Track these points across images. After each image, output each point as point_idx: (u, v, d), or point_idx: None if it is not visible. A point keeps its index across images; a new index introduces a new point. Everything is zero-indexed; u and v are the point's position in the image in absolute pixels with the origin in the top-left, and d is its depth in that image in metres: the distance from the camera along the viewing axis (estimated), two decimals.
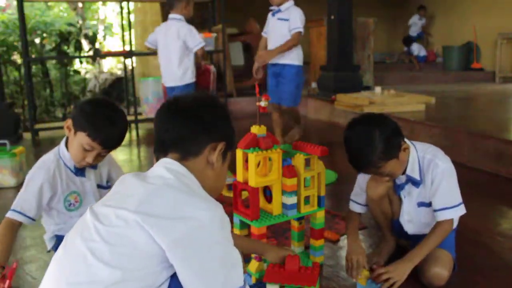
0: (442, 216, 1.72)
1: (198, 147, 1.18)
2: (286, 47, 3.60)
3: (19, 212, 1.75)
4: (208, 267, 1.03)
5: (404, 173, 1.77)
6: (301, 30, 3.61)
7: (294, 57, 3.67)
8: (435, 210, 1.74)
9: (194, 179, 1.16)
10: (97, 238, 1.03)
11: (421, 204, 1.82)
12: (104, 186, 2.04)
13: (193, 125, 1.18)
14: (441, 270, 1.69)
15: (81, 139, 1.75)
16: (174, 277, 1.06)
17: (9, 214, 1.74)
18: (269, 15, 3.79)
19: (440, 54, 9.95)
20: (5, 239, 1.69)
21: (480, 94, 6.60)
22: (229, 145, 1.25)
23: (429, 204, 1.79)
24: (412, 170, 1.76)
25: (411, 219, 1.87)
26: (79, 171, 1.90)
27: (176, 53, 3.72)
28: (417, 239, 1.88)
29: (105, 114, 1.76)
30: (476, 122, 4.34)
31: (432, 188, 1.74)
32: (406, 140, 1.75)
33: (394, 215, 1.93)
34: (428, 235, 1.73)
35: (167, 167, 1.14)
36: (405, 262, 1.66)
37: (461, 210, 1.74)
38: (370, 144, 1.62)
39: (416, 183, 1.78)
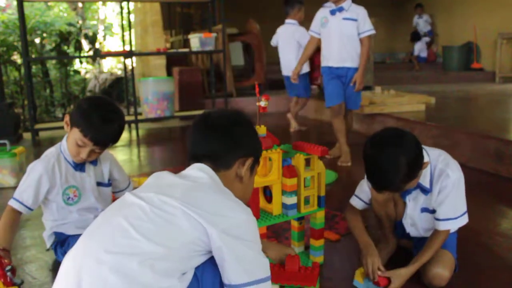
0: (443, 226, 1.72)
1: (229, 161, 1.28)
2: (366, 58, 3.50)
3: (18, 201, 1.84)
4: (248, 255, 1.14)
5: None
6: (373, 31, 3.50)
7: (358, 59, 3.53)
8: (437, 219, 1.74)
9: (222, 185, 1.25)
10: (142, 216, 1.09)
11: (424, 210, 1.81)
12: (105, 184, 2.05)
13: (224, 141, 1.28)
14: (442, 271, 1.69)
15: (75, 134, 1.82)
16: (199, 268, 1.15)
17: (10, 202, 1.85)
18: (325, 14, 3.54)
19: (440, 54, 9.95)
20: (3, 225, 1.80)
21: (480, 94, 6.60)
22: (256, 160, 1.36)
23: (432, 211, 1.78)
24: (423, 178, 1.74)
25: (414, 223, 1.87)
26: (79, 166, 1.95)
27: (293, 50, 4.62)
28: (419, 240, 1.88)
29: (99, 113, 1.81)
30: (476, 122, 4.34)
31: (439, 198, 1.73)
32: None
33: (398, 216, 1.93)
34: (426, 246, 1.73)
35: (200, 169, 1.25)
36: (406, 274, 1.69)
37: (463, 220, 1.75)
38: (396, 170, 1.56)
39: (425, 191, 1.77)
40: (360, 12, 3.47)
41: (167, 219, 1.09)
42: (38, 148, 4.49)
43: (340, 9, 3.47)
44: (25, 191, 1.85)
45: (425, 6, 10.30)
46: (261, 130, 1.72)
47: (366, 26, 3.48)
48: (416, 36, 10.02)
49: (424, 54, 9.96)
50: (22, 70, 6.58)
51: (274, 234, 2.23)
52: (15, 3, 5.01)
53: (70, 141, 1.86)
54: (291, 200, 1.76)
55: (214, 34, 5.47)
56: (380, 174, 1.60)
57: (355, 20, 3.45)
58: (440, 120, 4.19)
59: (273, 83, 7.25)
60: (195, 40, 5.40)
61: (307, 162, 1.81)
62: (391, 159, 1.57)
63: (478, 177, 3.23)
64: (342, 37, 3.49)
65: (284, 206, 1.77)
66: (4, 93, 5.17)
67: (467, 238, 2.16)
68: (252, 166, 1.33)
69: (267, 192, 1.81)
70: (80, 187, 1.95)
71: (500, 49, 8.05)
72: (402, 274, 1.68)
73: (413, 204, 1.82)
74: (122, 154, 4.28)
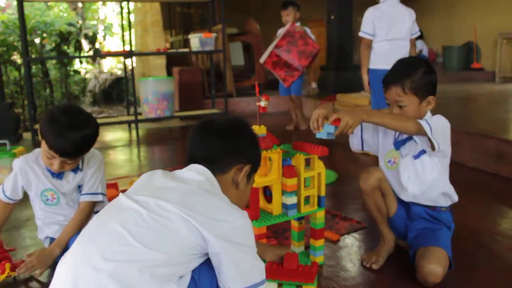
0: (422, 121, 1.76)
1: (226, 166, 1.29)
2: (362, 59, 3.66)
3: (2, 188, 1.93)
4: (245, 260, 1.15)
5: None
6: (362, 35, 3.62)
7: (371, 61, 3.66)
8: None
9: (219, 188, 1.26)
10: (139, 222, 1.09)
11: (417, 157, 1.87)
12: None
13: (223, 146, 1.29)
14: (436, 267, 1.69)
15: (43, 145, 1.79)
16: (195, 271, 1.15)
17: None
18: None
19: (440, 54, 9.95)
20: None
21: (480, 94, 6.60)
22: (254, 168, 1.37)
23: (423, 151, 1.84)
24: None
25: (410, 175, 1.89)
26: (55, 174, 1.91)
27: None
28: (413, 238, 1.89)
29: (61, 124, 1.73)
30: (476, 122, 4.34)
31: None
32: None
33: (389, 211, 1.95)
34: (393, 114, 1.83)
35: (198, 171, 1.25)
36: (361, 111, 1.74)
37: (435, 143, 1.75)
38: (415, 67, 1.82)
39: (416, 142, 1.85)
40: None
41: (164, 224, 1.08)
42: (38, 148, 4.49)
43: None
44: (7, 181, 1.93)
45: (423, 6, 10.28)
46: (261, 130, 1.72)
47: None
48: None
49: (425, 51, 9.96)
50: (22, 70, 6.58)
51: (274, 234, 2.24)
52: (15, 3, 5.01)
53: (42, 152, 1.83)
54: (291, 200, 1.76)
55: (214, 34, 5.47)
56: (401, 64, 1.88)
57: None
58: None
59: (273, 83, 7.25)
60: (195, 40, 5.40)
61: (307, 162, 1.81)
62: (417, 61, 1.89)
63: (478, 177, 3.23)
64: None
65: (284, 206, 1.77)
66: (4, 93, 5.17)
67: (467, 238, 2.16)
68: (249, 174, 1.34)
69: (267, 192, 1.81)
70: (57, 191, 1.94)
71: (500, 49, 8.05)
72: (351, 111, 1.73)
73: (405, 155, 1.89)
74: (122, 154, 4.28)
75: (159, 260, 1.05)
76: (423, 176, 1.87)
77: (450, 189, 1.92)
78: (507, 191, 2.92)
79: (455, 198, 1.93)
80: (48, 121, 1.75)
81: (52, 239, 1.98)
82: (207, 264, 1.16)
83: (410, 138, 1.87)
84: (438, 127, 1.78)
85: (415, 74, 1.79)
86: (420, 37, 10.03)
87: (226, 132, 1.31)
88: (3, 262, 1.81)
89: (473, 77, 8.46)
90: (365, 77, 3.69)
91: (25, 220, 2.53)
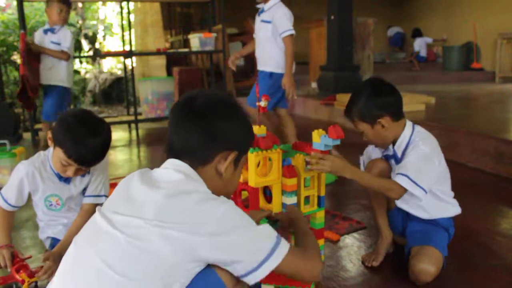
0: (399, 179, 1.73)
1: (208, 155, 1.14)
2: (289, 61, 3.27)
3: (2, 197, 1.86)
4: (247, 240, 1.03)
5: (394, 146, 1.86)
6: (292, 32, 3.23)
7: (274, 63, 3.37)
8: (396, 173, 1.76)
9: (202, 182, 1.13)
10: (117, 250, 0.99)
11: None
12: None
13: (204, 132, 1.12)
14: (428, 266, 1.70)
15: (59, 153, 1.76)
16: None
17: None
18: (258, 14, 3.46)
19: (440, 54, 9.96)
20: None
21: (480, 94, 6.60)
22: (243, 152, 1.21)
23: None
24: (399, 147, 1.84)
25: None
26: (63, 178, 1.90)
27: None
28: (411, 235, 1.90)
29: (82, 132, 1.72)
30: (476, 122, 4.34)
31: (403, 161, 1.79)
32: (407, 121, 1.85)
33: (390, 203, 1.97)
34: (378, 177, 1.83)
35: (175, 169, 1.13)
36: (347, 166, 1.75)
37: (419, 191, 1.72)
38: (358, 94, 1.82)
39: (396, 160, 1.85)
40: (276, 14, 3.28)
41: (143, 249, 0.98)
42: (38, 148, 4.49)
43: (261, 11, 3.38)
44: (9, 189, 1.86)
45: (423, 6, 10.29)
46: (261, 130, 1.72)
47: (283, 27, 3.26)
48: (417, 33, 10.05)
49: (423, 52, 9.97)
50: None
51: None
52: (15, 3, 5.01)
53: (54, 159, 1.81)
54: (291, 200, 1.76)
55: (214, 34, 5.47)
56: (351, 94, 1.88)
57: (269, 22, 3.30)
58: (440, 120, 4.18)
59: None
60: (195, 40, 5.40)
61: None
62: (362, 90, 1.83)
63: (478, 177, 3.23)
64: (259, 40, 3.44)
65: (284, 206, 1.77)
66: (4, 93, 5.18)
67: (467, 237, 2.16)
68: (236, 160, 1.18)
69: (267, 192, 1.80)
70: (62, 196, 1.93)
71: (500, 49, 8.06)
72: (340, 163, 1.73)
73: (395, 170, 1.86)
74: (122, 154, 4.27)
75: None
76: (410, 194, 1.81)
77: (450, 205, 1.90)
78: (507, 191, 2.92)
79: (457, 210, 1.91)
80: (65, 131, 1.72)
81: (53, 239, 1.97)
82: (198, 278, 1.05)
83: (392, 156, 1.87)
84: (417, 170, 1.72)
85: (359, 101, 1.81)
86: (419, 35, 10.04)
87: (208, 117, 1.13)
88: (21, 272, 1.79)
89: (473, 77, 8.47)
90: None
91: (25, 221, 2.53)
